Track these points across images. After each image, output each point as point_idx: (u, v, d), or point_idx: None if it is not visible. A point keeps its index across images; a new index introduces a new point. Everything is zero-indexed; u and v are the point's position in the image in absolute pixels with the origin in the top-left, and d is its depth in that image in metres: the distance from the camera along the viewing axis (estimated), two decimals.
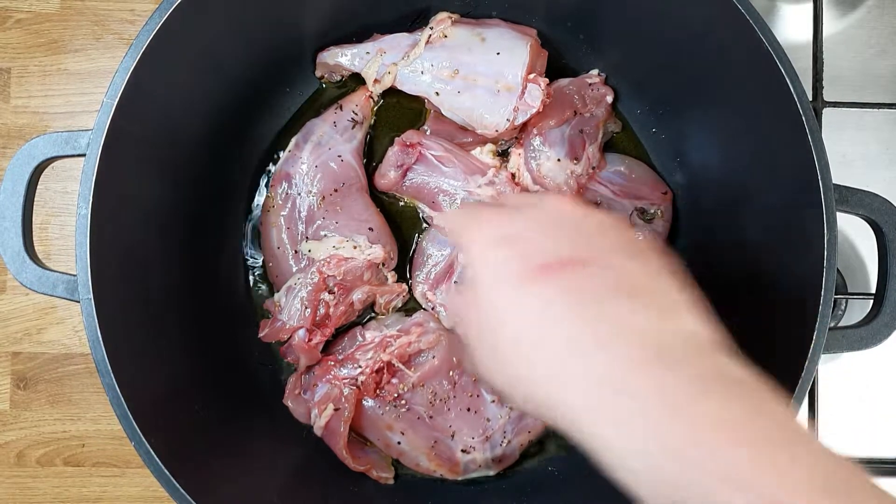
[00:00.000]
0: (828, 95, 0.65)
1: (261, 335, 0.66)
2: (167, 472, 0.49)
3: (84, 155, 0.51)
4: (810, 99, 0.56)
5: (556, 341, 0.36)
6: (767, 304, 0.57)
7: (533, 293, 0.38)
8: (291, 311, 0.64)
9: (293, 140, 0.68)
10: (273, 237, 0.67)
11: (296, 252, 0.66)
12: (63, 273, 0.52)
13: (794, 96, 0.51)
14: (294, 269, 0.66)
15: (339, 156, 0.67)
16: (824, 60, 0.65)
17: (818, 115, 0.64)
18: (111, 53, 0.75)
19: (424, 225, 0.69)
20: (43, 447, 0.73)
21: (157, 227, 0.60)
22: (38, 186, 0.53)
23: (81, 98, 0.75)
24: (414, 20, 0.69)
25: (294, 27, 0.66)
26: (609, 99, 0.69)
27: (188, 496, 0.49)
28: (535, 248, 0.39)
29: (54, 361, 0.73)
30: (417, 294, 0.68)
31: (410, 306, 0.69)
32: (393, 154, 0.67)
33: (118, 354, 0.50)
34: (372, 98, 0.69)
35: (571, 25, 0.69)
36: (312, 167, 0.66)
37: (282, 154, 0.68)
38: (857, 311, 0.72)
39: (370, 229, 0.66)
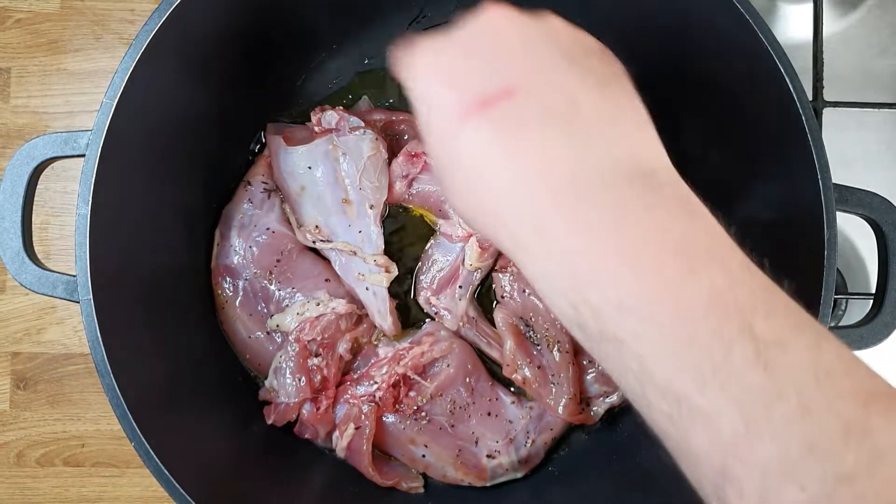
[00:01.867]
0: (828, 95, 0.65)
1: (269, 421, 0.64)
2: (167, 473, 0.49)
3: (83, 155, 0.51)
4: (810, 99, 0.56)
5: (490, 183, 0.36)
6: None
7: (470, 132, 0.36)
8: (287, 389, 0.63)
9: (217, 233, 0.66)
10: (239, 330, 0.65)
11: (268, 333, 0.65)
12: (63, 273, 0.52)
13: (795, 96, 0.51)
14: (272, 350, 0.65)
15: (268, 228, 0.66)
16: (824, 60, 0.65)
17: (818, 115, 0.64)
18: (111, 53, 0.75)
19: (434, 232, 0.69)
20: (42, 447, 0.73)
21: (157, 228, 0.60)
22: (39, 186, 0.53)
23: (81, 98, 0.75)
24: (411, 22, 0.69)
25: (295, 25, 0.66)
26: None
27: (188, 497, 0.49)
28: (469, 78, 0.37)
29: (54, 361, 0.73)
30: (421, 299, 0.68)
31: (416, 316, 0.69)
32: (398, 165, 0.66)
33: (118, 355, 0.50)
34: None
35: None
36: (247, 250, 0.65)
37: (214, 247, 0.66)
38: (857, 310, 0.72)
39: (327, 280, 0.66)
